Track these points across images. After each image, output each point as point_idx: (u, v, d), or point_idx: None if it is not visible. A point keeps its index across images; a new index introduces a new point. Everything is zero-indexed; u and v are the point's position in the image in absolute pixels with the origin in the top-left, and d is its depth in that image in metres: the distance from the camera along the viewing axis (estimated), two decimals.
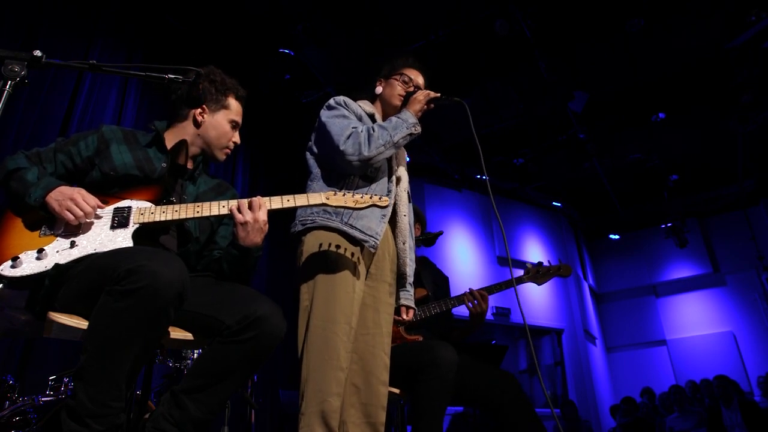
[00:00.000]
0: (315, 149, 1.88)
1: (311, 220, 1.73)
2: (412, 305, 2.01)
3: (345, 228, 1.70)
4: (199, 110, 1.74)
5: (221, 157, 1.80)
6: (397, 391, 2.22)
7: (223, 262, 1.60)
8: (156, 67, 1.37)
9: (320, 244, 1.68)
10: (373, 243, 1.72)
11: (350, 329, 1.63)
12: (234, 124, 1.79)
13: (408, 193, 2.01)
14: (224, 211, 1.50)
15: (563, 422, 6.69)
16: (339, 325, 1.61)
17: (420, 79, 2.05)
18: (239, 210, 1.50)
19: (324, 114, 1.86)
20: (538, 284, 2.82)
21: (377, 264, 1.83)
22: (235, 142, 1.81)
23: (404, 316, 1.99)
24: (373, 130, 1.76)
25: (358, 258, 1.72)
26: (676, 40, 5.32)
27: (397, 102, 1.98)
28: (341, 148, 1.71)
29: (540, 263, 2.85)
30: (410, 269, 1.98)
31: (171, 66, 1.40)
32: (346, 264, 1.68)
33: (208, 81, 1.74)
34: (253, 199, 1.52)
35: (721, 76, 5.79)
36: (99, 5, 3.99)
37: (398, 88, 2.00)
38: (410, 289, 2.01)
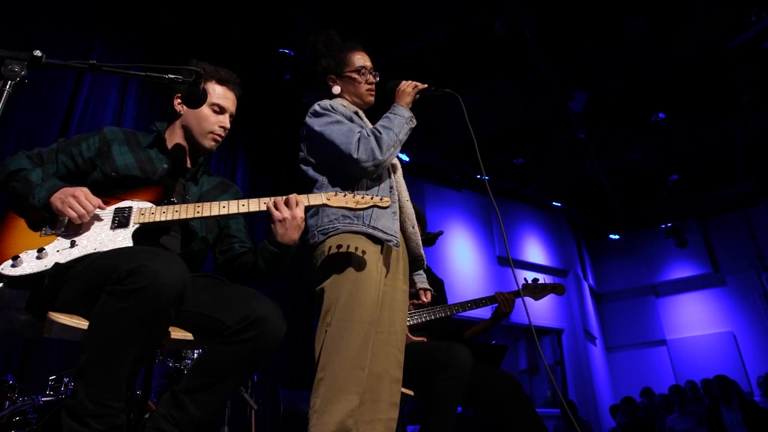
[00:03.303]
0: (312, 159, 1.84)
1: (333, 227, 1.71)
2: (429, 287, 2.02)
3: (369, 230, 1.70)
4: (178, 100, 1.72)
5: (207, 144, 1.72)
6: (410, 392, 2.22)
7: (259, 259, 1.59)
8: (156, 67, 1.37)
9: (341, 246, 1.67)
10: (396, 242, 1.73)
11: (372, 329, 1.63)
12: (217, 109, 1.71)
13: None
14: (224, 211, 1.50)
15: (563, 422, 6.69)
16: (362, 324, 1.60)
17: (368, 60, 2.00)
18: (276, 207, 1.50)
19: (315, 122, 1.80)
20: (535, 299, 2.88)
21: (392, 263, 1.84)
22: (223, 127, 1.73)
23: (423, 299, 2.00)
24: (380, 132, 1.75)
25: (378, 259, 1.72)
26: (676, 40, 5.32)
27: (369, 98, 1.98)
28: (355, 156, 1.68)
29: (535, 279, 2.90)
30: (421, 250, 1.99)
31: (171, 66, 1.39)
32: (368, 265, 1.67)
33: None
34: (290, 196, 1.53)
35: (721, 76, 5.79)
36: (99, 5, 3.99)
37: (361, 82, 1.95)
38: (423, 274, 2.03)
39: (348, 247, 1.66)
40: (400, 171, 1.99)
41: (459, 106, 1.94)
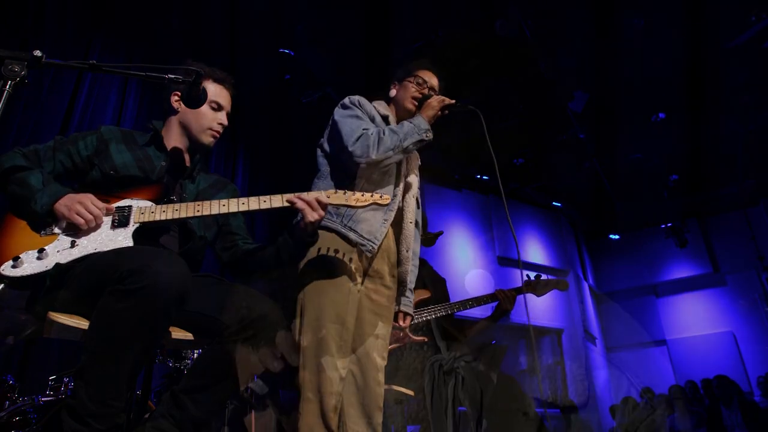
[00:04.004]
0: (326, 147, 1.88)
1: None
2: (410, 312, 2.00)
3: (343, 230, 1.71)
4: (176, 97, 1.74)
5: (206, 140, 1.74)
6: (410, 392, 2.21)
7: (282, 252, 1.63)
8: (156, 67, 1.37)
9: (316, 247, 1.68)
10: (370, 247, 1.72)
11: (344, 329, 1.64)
12: (215, 105, 1.74)
13: (417, 199, 1.99)
14: (224, 210, 1.50)
15: (563, 422, 6.68)
16: (332, 325, 1.61)
17: (434, 81, 2.04)
18: (311, 207, 1.52)
19: (338, 113, 1.86)
20: (538, 296, 2.86)
21: (376, 267, 1.83)
22: (221, 124, 1.76)
23: (401, 323, 1.99)
24: (384, 134, 1.75)
25: (353, 260, 1.72)
26: (676, 40, 5.32)
27: (410, 105, 1.98)
28: (350, 148, 1.71)
29: (538, 275, 2.89)
30: (412, 276, 1.97)
31: (171, 66, 1.40)
32: (340, 266, 1.68)
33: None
34: (318, 196, 1.53)
35: (721, 76, 5.79)
36: (99, 6, 3.99)
37: (411, 91, 1.99)
38: (410, 295, 2.00)
39: (319, 248, 1.68)
40: (414, 190, 1.96)
41: (459, 106, 1.93)
